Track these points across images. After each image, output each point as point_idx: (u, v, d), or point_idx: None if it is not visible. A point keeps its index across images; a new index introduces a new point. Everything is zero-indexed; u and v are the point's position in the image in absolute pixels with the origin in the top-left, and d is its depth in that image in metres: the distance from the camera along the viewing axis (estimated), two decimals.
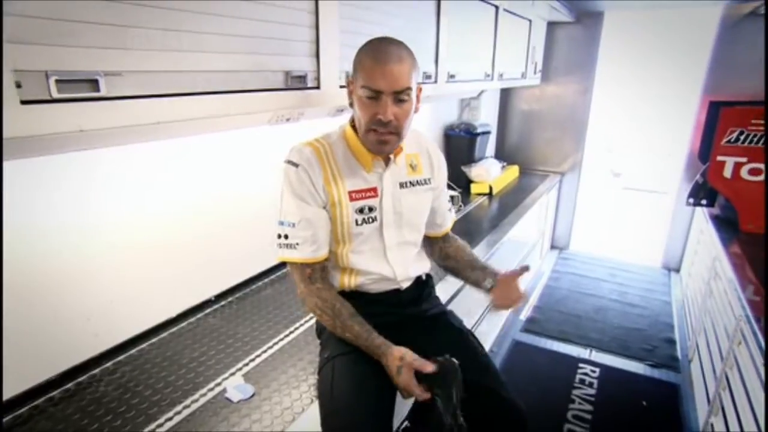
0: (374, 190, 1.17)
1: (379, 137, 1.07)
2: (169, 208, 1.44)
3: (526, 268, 1.32)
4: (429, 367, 1.03)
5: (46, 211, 1.13)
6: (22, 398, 1.14)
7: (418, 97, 1.13)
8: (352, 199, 1.14)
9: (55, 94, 0.67)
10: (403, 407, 1.21)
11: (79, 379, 1.23)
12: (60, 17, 0.67)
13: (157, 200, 1.40)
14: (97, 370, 1.27)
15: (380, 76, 1.01)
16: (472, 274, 1.37)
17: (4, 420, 1.09)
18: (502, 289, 1.29)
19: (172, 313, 1.51)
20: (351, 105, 1.12)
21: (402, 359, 1.05)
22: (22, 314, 1.12)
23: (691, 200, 2.97)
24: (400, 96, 1.04)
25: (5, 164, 0.96)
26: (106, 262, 1.29)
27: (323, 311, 1.15)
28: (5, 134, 0.63)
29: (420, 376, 1.03)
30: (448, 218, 1.42)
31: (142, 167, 1.33)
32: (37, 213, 1.11)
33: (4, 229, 1.05)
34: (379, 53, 1.03)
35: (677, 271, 3.82)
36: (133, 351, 1.35)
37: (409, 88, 1.04)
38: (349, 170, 1.14)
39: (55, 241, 1.16)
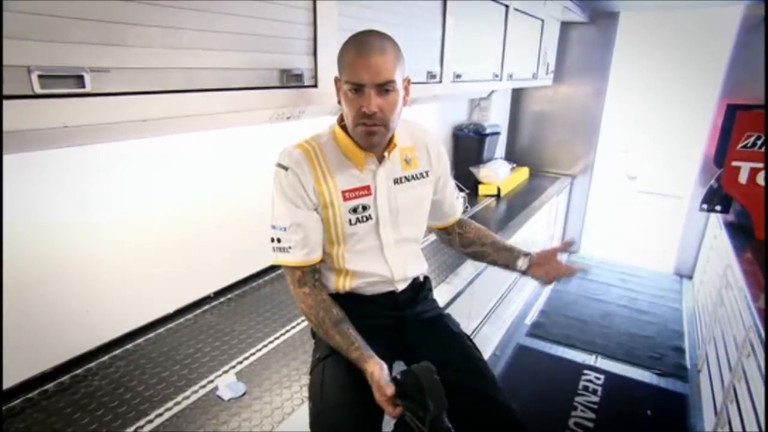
0: (367, 188, 1.15)
1: (367, 129, 1.05)
2: (170, 205, 1.44)
3: (570, 243, 1.32)
4: (388, 390, 0.97)
5: (47, 206, 1.14)
6: (17, 390, 1.16)
7: (407, 89, 1.11)
8: (345, 199, 1.13)
9: (38, 90, 0.67)
10: None
11: (75, 372, 1.24)
12: (43, 12, 0.67)
13: (159, 197, 1.41)
14: (93, 364, 1.28)
15: (363, 69, 1.00)
16: (500, 255, 1.36)
17: None
18: (543, 267, 1.29)
19: (170, 309, 1.51)
20: (339, 102, 1.10)
21: (371, 377, 1.01)
22: (23, 307, 1.13)
23: (705, 206, 2.91)
24: (384, 88, 1.02)
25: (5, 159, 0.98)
26: (107, 257, 1.29)
27: (308, 317, 1.15)
28: None
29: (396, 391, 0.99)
30: (457, 205, 1.41)
31: (143, 164, 1.33)
32: (38, 208, 1.12)
33: (6, 225, 1.06)
34: (361, 46, 1.01)
35: (689, 277, 3.74)
36: (129, 345, 1.36)
37: (392, 81, 1.02)
38: (341, 170, 1.13)
39: (56, 236, 1.17)
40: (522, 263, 1.31)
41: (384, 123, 1.05)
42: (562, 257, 1.31)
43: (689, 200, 3.63)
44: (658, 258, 3.94)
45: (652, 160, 4.99)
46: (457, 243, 1.43)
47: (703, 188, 3.02)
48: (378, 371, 1.01)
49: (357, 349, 1.08)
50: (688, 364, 2.64)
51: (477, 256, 1.41)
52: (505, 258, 1.35)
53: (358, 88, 1.02)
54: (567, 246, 1.32)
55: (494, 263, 1.38)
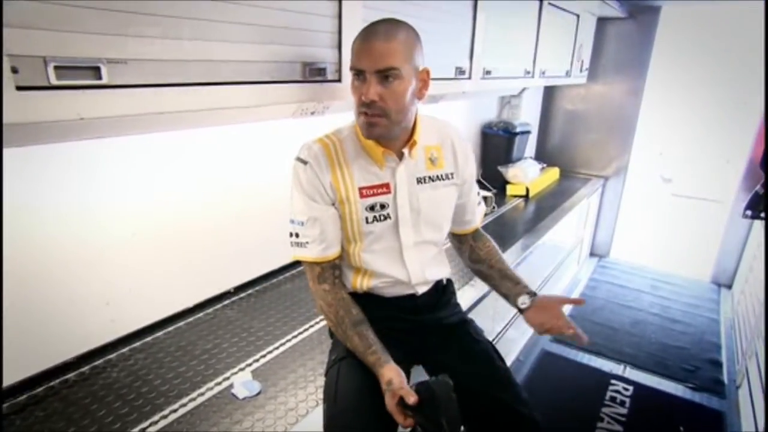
0: (387, 186, 1.11)
1: (367, 119, 1.01)
2: (193, 198, 1.44)
3: (580, 302, 1.24)
4: (411, 398, 0.92)
5: (69, 196, 1.15)
6: (39, 378, 1.17)
7: (425, 81, 1.06)
8: (362, 196, 1.09)
9: (54, 81, 0.66)
10: None
11: (95, 363, 1.25)
12: (59, 1, 0.66)
13: (182, 189, 1.40)
14: (113, 355, 1.29)
15: (364, 54, 0.96)
16: (503, 284, 1.28)
17: (20, 399, 1.12)
18: (542, 315, 1.18)
19: (190, 303, 1.51)
20: None
21: (389, 384, 0.97)
22: (42, 298, 1.14)
23: (749, 212, 2.74)
24: (384, 74, 0.97)
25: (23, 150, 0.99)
26: (128, 249, 1.30)
27: (327, 315, 1.13)
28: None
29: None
30: (478, 213, 1.33)
31: (166, 156, 1.33)
32: (60, 198, 1.13)
33: (26, 215, 1.07)
34: (367, 32, 0.98)
35: (728, 287, 3.56)
36: (148, 339, 1.37)
37: (394, 68, 0.96)
38: (360, 166, 1.09)
39: (75, 228, 1.18)
40: (523, 301, 1.22)
41: (385, 113, 1.00)
42: (566, 310, 1.21)
43: (731, 206, 3.45)
44: (694, 265, 3.76)
45: (690, 163, 4.75)
46: (467, 255, 1.36)
47: (747, 194, 2.86)
48: (397, 378, 0.98)
49: (374, 353, 1.05)
50: (725, 379, 2.50)
51: (481, 276, 1.34)
52: (507, 289, 1.27)
53: (359, 74, 0.98)
54: (577, 303, 1.24)
55: (495, 289, 1.32)
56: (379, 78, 0.97)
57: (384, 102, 0.98)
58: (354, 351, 1.08)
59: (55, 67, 0.66)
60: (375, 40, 0.95)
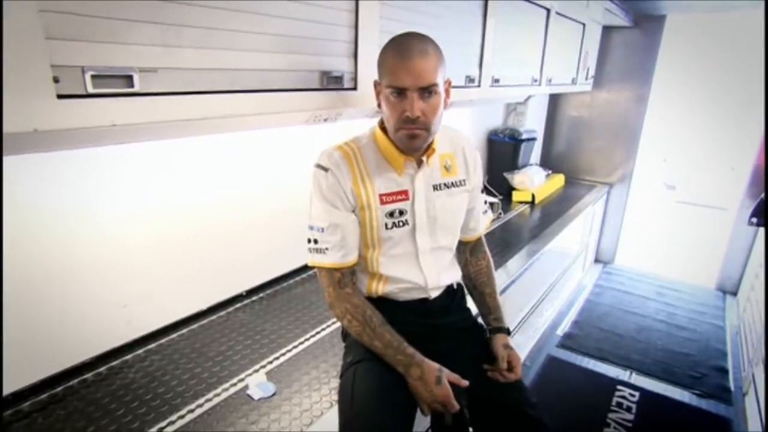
0: (405, 193, 1.13)
1: (409, 132, 1.04)
2: (208, 202, 1.47)
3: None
4: (464, 382, 1.04)
5: (83, 200, 1.17)
6: (59, 377, 1.20)
7: (447, 91, 1.09)
8: (383, 203, 1.11)
9: (90, 89, 0.69)
10: (420, 421, 1.17)
11: (112, 364, 1.28)
12: (98, 14, 0.69)
13: (196, 193, 1.43)
14: (129, 356, 1.31)
15: (404, 72, 0.98)
16: (479, 307, 1.36)
17: (41, 397, 1.14)
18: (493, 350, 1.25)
19: (204, 305, 1.54)
20: (379, 106, 1.09)
21: (441, 370, 1.05)
22: (62, 299, 1.17)
23: (755, 219, 2.75)
24: (427, 90, 1.00)
25: (53, 154, 1.02)
26: (143, 252, 1.32)
27: (354, 317, 1.13)
28: (42, 127, 0.65)
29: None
30: (482, 222, 1.36)
31: (180, 161, 1.36)
32: (75, 202, 1.16)
33: (47, 217, 1.10)
34: (402, 49, 1.00)
35: (734, 294, 3.56)
36: (163, 340, 1.39)
37: (435, 84, 1.00)
38: (380, 173, 1.12)
39: (93, 230, 1.20)
40: (486, 332, 1.31)
41: (426, 126, 1.04)
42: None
43: (735, 213, 3.46)
44: (699, 272, 3.76)
45: (694, 170, 4.77)
46: (460, 266, 1.37)
47: (752, 201, 2.87)
48: (446, 370, 1.06)
49: (408, 347, 1.09)
50: (731, 386, 2.51)
51: (467, 288, 1.39)
52: (482, 314, 1.35)
53: (400, 92, 1.00)
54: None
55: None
56: (421, 94, 1.00)
57: (426, 116, 1.02)
58: (385, 348, 1.09)
59: (92, 76, 0.69)
60: (414, 58, 0.98)
